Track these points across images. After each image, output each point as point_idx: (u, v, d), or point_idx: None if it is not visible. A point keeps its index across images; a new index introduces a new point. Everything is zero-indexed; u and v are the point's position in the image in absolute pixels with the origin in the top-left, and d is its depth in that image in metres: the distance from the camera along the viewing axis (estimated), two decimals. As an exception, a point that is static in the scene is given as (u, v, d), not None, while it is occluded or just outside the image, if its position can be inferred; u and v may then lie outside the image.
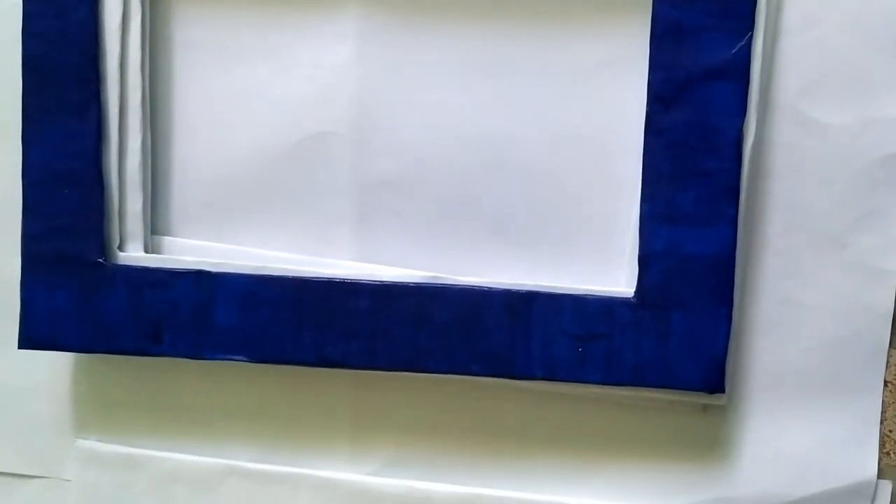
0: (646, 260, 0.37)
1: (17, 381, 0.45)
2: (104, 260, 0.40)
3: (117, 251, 0.41)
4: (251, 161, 0.41)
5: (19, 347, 0.41)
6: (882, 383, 0.39)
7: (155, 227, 0.42)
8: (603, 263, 0.39)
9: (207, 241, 0.42)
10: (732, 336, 0.38)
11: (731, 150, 0.36)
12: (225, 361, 0.42)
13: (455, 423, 0.41)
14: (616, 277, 0.39)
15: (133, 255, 0.41)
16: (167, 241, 0.42)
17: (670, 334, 0.37)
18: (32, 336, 0.41)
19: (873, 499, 0.39)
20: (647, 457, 0.40)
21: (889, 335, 0.38)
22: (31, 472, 0.45)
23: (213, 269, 0.40)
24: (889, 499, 0.39)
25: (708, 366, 0.37)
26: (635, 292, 0.37)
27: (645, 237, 0.37)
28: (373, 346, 0.39)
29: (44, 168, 0.40)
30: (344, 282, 0.39)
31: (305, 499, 0.42)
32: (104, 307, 0.40)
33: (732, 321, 0.37)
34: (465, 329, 0.38)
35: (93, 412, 0.44)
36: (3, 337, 0.44)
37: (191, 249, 0.42)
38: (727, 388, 0.38)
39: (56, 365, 0.44)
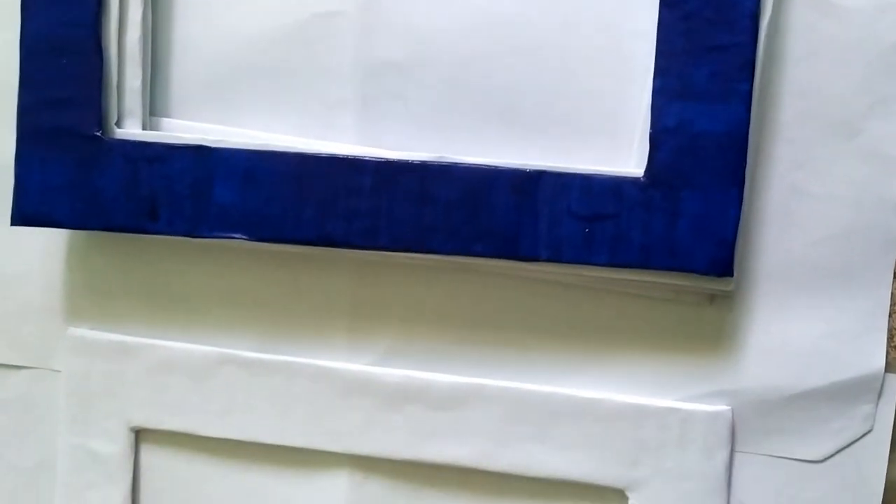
0: (657, 138, 0.36)
1: (9, 268, 0.44)
2: (101, 134, 0.39)
3: (115, 127, 0.40)
4: (254, 40, 0.41)
5: (12, 224, 0.40)
6: (891, 275, 0.38)
7: (154, 107, 0.41)
8: (613, 147, 0.39)
9: (207, 124, 0.41)
10: (741, 225, 0.37)
11: (747, 23, 0.35)
12: (222, 245, 0.41)
13: (455, 313, 0.41)
14: (626, 161, 0.38)
15: (131, 131, 0.40)
16: (165, 122, 0.41)
17: (679, 215, 0.36)
18: (26, 212, 0.40)
19: (880, 392, 0.38)
20: (651, 348, 0.40)
21: (900, 225, 0.38)
22: (20, 362, 0.44)
23: (213, 145, 0.39)
24: (896, 392, 0.38)
25: (717, 248, 0.36)
26: (645, 171, 0.36)
27: (657, 114, 0.36)
28: (375, 225, 0.38)
29: (41, 37, 0.39)
30: (347, 158, 0.38)
31: (301, 388, 0.41)
32: (100, 183, 0.39)
33: (742, 207, 0.36)
34: (470, 208, 0.37)
35: (85, 300, 0.43)
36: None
37: (189, 130, 0.41)
38: (735, 276, 0.37)
39: (49, 252, 0.43)
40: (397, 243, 0.38)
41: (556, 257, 0.37)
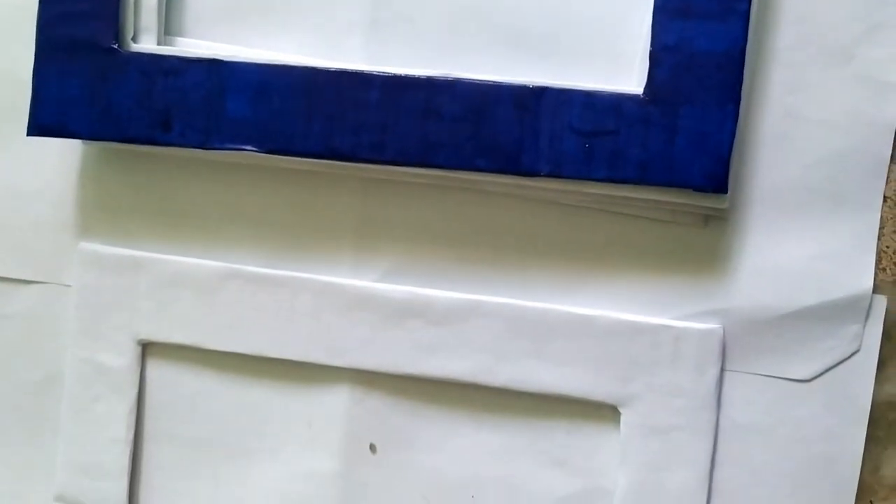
0: (656, 56, 0.37)
1: (22, 184, 0.45)
2: (118, 47, 0.40)
3: (131, 42, 0.41)
4: (267, -38, 0.42)
5: (28, 134, 0.41)
6: (881, 198, 0.39)
7: (168, 27, 0.43)
8: (615, 67, 0.40)
9: (219, 43, 0.42)
10: (737, 148, 0.38)
11: (746, -56, 0.36)
12: (231, 163, 0.42)
13: (459, 231, 0.42)
14: (627, 80, 0.39)
15: (146, 45, 0.41)
16: (180, 40, 0.42)
17: (677, 130, 0.37)
18: (42, 122, 0.41)
19: (868, 313, 0.39)
20: (647, 268, 0.41)
21: (890, 150, 0.39)
22: (31, 276, 0.45)
23: (226, 59, 0.40)
24: (883, 313, 0.39)
25: (712, 164, 0.37)
26: (644, 88, 0.38)
27: (657, 32, 0.37)
28: (382, 139, 0.39)
29: (62, -49, 0.40)
30: (355, 73, 0.39)
31: (306, 303, 0.43)
32: (115, 94, 0.40)
33: (738, 126, 0.37)
34: (473, 123, 0.38)
35: (97, 216, 0.44)
36: (8, 141, 0.44)
37: (203, 49, 0.42)
38: (729, 195, 0.38)
39: (62, 168, 0.44)
40: (403, 157, 0.39)
41: (556, 172, 0.38)
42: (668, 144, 0.37)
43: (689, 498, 0.41)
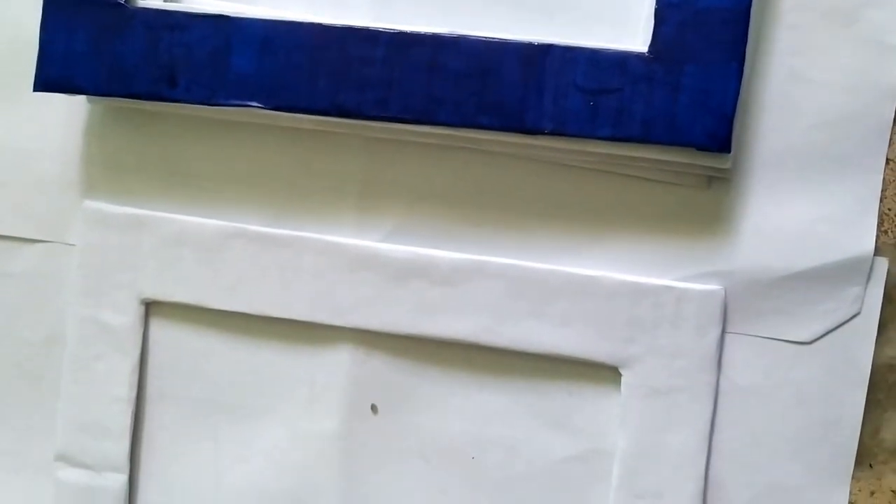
0: (661, 13, 0.37)
1: (28, 143, 0.45)
2: (124, 2, 0.40)
3: (137, -1, 0.41)
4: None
5: (35, 90, 0.41)
6: (884, 161, 0.39)
7: (174, -15, 0.43)
8: (621, 28, 0.40)
9: (224, 1, 0.42)
10: (740, 109, 0.39)
11: None
12: (236, 122, 0.42)
13: (462, 192, 0.42)
14: (633, 40, 0.39)
15: (152, 1, 0.41)
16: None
17: (681, 88, 0.37)
18: (48, 78, 0.41)
19: (869, 275, 0.39)
20: (649, 230, 0.41)
21: (894, 112, 0.39)
22: (35, 235, 0.45)
23: (232, 15, 0.40)
24: (885, 276, 0.39)
25: (716, 122, 0.37)
26: (649, 47, 0.38)
27: (662, -11, 0.37)
28: (386, 96, 0.39)
29: None
30: (360, 29, 0.39)
31: (309, 262, 0.43)
32: (121, 49, 0.40)
33: (742, 85, 0.38)
34: (478, 81, 0.39)
35: (102, 174, 0.45)
36: (14, 99, 0.44)
37: (209, 5, 0.42)
38: (732, 155, 0.39)
39: (67, 126, 0.45)
40: (407, 114, 0.39)
41: (560, 130, 0.38)
42: (672, 103, 0.37)
43: (689, 459, 0.41)
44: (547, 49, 0.38)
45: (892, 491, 0.40)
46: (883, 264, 0.39)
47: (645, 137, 0.38)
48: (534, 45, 0.38)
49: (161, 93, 0.40)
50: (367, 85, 0.39)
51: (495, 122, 0.39)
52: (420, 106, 0.39)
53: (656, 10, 0.38)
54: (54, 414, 0.45)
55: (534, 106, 0.38)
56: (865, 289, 0.40)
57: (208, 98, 0.40)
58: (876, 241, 0.39)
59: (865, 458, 0.40)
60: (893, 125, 0.39)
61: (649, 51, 0.38)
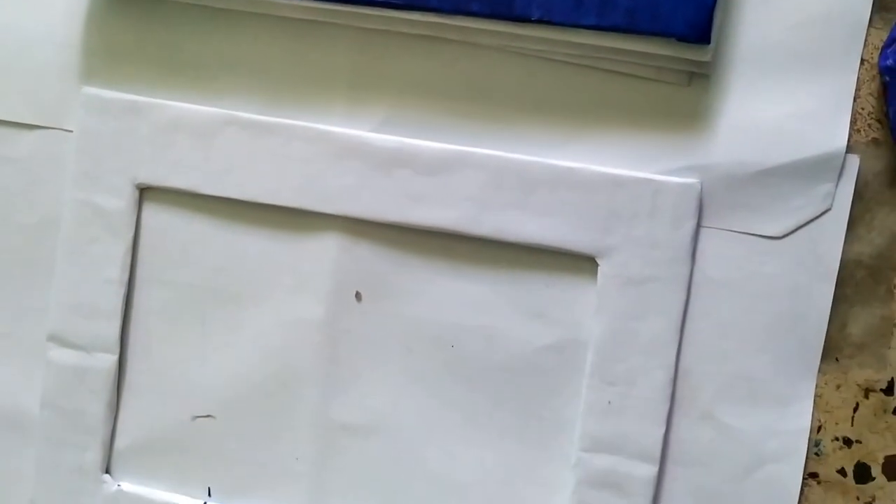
0: None
1: (30, 30, 0.46)
2: None
3: None
4: None
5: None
6: (859, 61, 0.40)
7: None
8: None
9: None
10: (720, 3, 0.40)
11: None
12: (232, 13, 0.44)
13: (451, 85, 0.43)
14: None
15: None
16: None
17: (664, -22, 0.39)
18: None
19: (841, 172, 0.41)
20: (630, 125, 0.42)
21: (869, 14, 0.40)
22: (34, 121, 0.47)
23: None
24: (856, 173, 0.41)
25: (696, 12, 0.39)
26: (634, -63, 0.39)
27: None
28: (378, -19, 0.40)
29: None
30: (356, -84, 0.40)
31: (299, 150, 0.44)
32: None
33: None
34: (468, -32, 0.40)
35: (101, 62, 0.46)
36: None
37: None
38: (712, 47, 0.40)
39: (68, 14, 0.46)
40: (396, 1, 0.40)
41: (547, 18, 0.40)
42: (655, -7, 0.39)
43: (661, 347, 0.42)
44: (535, -62, 0.39)
45: (858, 385, 0.42)
46: (854, 162, 0.41)
47: (628, 27, 0.39)
48: (522, -66, 0.39)
49: (160, -26, 0.41)
50: (359, -30, 0.40)
51: (485, 9, 0.40)
52: (411, -8, 0.40)
53: None
54: (46, 296, 0.47)
55: (521, -6, 0.39)
56: (837, 186, 0.41)
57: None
58: (848, 140, 0.41)
59: (832, 352, 0.42)
60: (869, 26, 0.40)
61: (634, -59, 0.39)
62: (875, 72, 0.40)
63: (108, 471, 0.47)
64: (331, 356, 0.45)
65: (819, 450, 0.42)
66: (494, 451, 0.44)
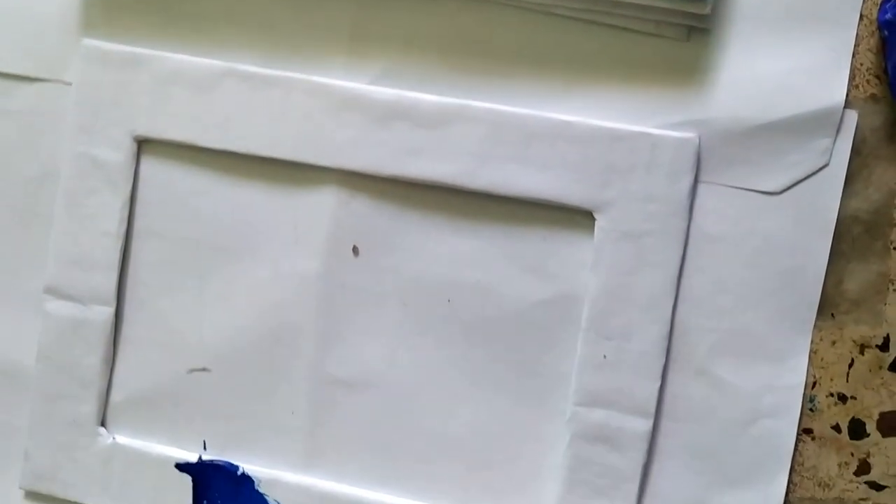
0: None
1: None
2: None
3: None
4: None
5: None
6: (858, 17, 0.40)
7: None
8: None
9: None
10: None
11: None
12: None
13: (450, 38, 0.43)
14: None
15: None
16: None
17: (664, -71, 0.39)
18: None
19: (839, 128, 0.41)
20: (629, 79, 0.42)
21: (869, -29, 0.40)
22: (34, 73, 0.47)
23: None
24: (854, 129, 0.41)
25: (696, -36, 0.39)
26: None
27: None
28: (379, -69, 0.40)
29: None
30: None
31: (298, 102, 0.44)
32: None
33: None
34: (469, -82, 0.40)
35: (101, 14, 0.46)
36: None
37: None
38: (711, 3, 0.40)
39: (68, -33, 0.46)
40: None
41: (546, -31, 0.40)
42: (655, -57, 0.39)
43: (656, 302, 0.42)
44: None
45: (853, 341, 0.42)
46: (852, 117, 0.41)
47: (627, -22, 0.39)
48: None
49: (161, -78, 0.42)
50: (360, -81, 0.40)
51: (483, -40, 0.40)
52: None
53: None
54: (44, 249, 0.47)
55: (521, -56, 0.39)
56: (834, 141, 0.41)
57: (207, -71, 0.41)
58: (847, 95, 0.41)
59: (828, 307, 0.42)
60: (867, -17, 0.40)
61: None
62: (874, 27, 0.40)
63: (103, 424, 0.47)
64: (327, 310, 0.45)
65: (814, 406, 0.42)
66: (489, 405, 0.44)
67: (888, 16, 0.39)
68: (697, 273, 0.42)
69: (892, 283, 0.41)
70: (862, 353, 0.42)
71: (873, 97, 0.41)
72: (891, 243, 0.41)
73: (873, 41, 0.40)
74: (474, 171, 0.43)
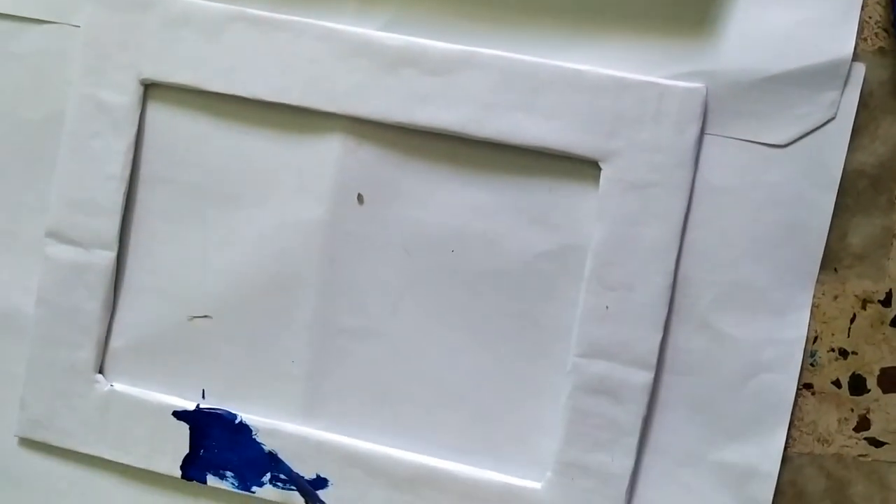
0: None
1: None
2: None
3: None
4: None
5: None
6: (864, -22, 0.40)
7: None
8: None
9: None
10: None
11: None
12: None
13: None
14: None
15: None
16: None
17: None
18: None
19: (846, 80, 0.41)
20: (638, 29, 0.42)
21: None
22: (42, 16, 0.47)
23: None
24: (861, 82, 0.41)
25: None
26: None
27: None
28: None
29: None
30: None
31: (306, 47, 0.44)
32: None
33: None
34: None
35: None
36: None
37: None
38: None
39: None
40: None
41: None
42: None
43: (660, 254, 0.42)
44: None
45: (856, 296, 0.42)
46: (860, 70, 0.41)
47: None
48: None
49: None
50: None
51: None
52: None
53: None
54: (47, 193, 0.47)
55: None
56: (842, 94, 0.41)
57: None
58: (855, 48, 0.41)
59: (831, 262, 0.42)
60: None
61: None
62: (883, -19, 0.40)
63: (101, 371, 0.47)
64: (330, 258, 0.45)
65: (814, 360, 0.42)
66: (491, 355, 0.44)
67: (898, -31, 0.39)
68: (701, 225, 0.42)
69: (896, 238, 0.41)
70: (864, 308, 0.42)
71: (881, 50, 0.41)
72: (895, 198, 0.41)
73: (882, -5, 0.41)
74: (481, 119, 0.43)
